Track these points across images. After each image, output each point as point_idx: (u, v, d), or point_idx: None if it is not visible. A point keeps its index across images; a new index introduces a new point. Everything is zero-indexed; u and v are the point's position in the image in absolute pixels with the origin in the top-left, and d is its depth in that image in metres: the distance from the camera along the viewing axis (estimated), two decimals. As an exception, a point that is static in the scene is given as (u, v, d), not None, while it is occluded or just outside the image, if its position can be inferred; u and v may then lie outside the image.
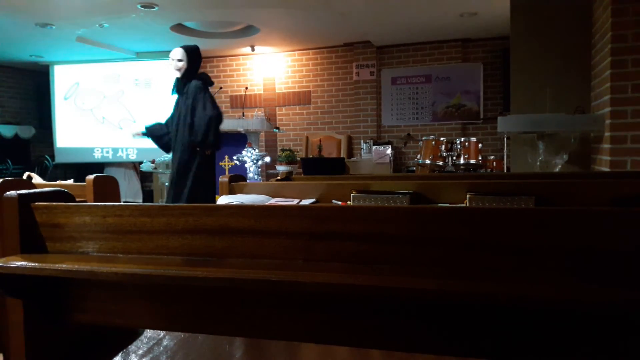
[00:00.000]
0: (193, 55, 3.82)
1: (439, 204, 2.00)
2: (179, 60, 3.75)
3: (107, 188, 2.45)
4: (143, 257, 1.23)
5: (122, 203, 1.32)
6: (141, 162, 5.80)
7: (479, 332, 1.02)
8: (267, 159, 5.29)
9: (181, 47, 3.81)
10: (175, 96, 3.88)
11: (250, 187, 2.40)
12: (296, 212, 1.14)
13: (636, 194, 1.76)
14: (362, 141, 7.01)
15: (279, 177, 2.71)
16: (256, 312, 1.16)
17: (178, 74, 3.78)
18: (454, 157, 4.79)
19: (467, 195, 1.91)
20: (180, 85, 3.83)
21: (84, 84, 7.65)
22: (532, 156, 3.87)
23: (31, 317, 1.28)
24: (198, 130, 3.67)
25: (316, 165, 5.96)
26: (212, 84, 3.91)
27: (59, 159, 7.76)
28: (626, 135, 3.13)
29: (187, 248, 1.21)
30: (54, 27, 5.87)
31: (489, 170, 4.91)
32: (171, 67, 3.78)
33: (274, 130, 6.41)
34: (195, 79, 3.78)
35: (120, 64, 7.55)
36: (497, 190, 1.92)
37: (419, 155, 5.01)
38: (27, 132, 7.99)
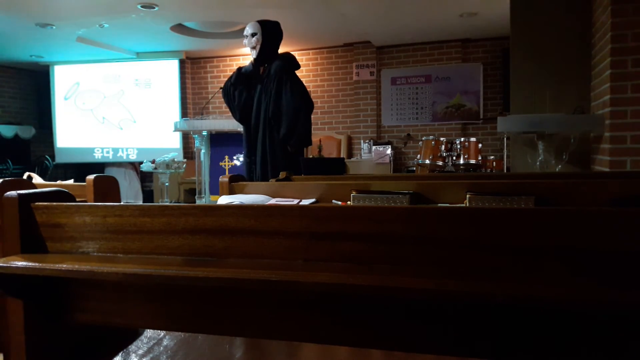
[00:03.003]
0: (270, 28, 3.21)
1: (439, 204, 2.00)
2: (253, 35, 3.14)
3: (107, 188, 2.45)
4: (143, 257, 1.23)
5: (122, 203, 1.32)
6: (141, 162, 5.80)
7: (479, 332, 1.02)
8: (267, 159, 5.27)
9: (256, 21, 3.20)
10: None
11: (250, 187, 2.40)
12: (296, 212, 1.14)
13: (636, 194, 1.76)
14: (362, 141, 7.01)
15: (279, 177, 2.71)
16: (256, 312, 1.16)
17: (254, 54, 3.18)
18: (454, 157, 4.79)
19: (467, 195, 1.91)
20: (255, 71, 3.23)
21: (84, 84, 7.66)
22: (532, 156, 3.86)
23: (31, 317, 1.28)
24: (282, 124, 3.11)
25: (316, 165, 5.95)
26: (297, 66, 3.35)
27: (59, 159, 7.76)
28: (626, 136, 3.13)
29: (187, 248, 1.21)
30: (54, 27, 5.87)
31: (488, 170, 4.91)
32: (246, 44, 3.21)
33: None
34: (277, 60, 3.21)
35: (120, 64, 7.55)
36: (497, 190, 1.92)
37: (419, 155, 5.01)
38: (27, 132, 7.99)
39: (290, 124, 3.15)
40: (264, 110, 3.21)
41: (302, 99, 3.21)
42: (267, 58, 3.20)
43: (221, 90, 3.47)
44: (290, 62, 3.27)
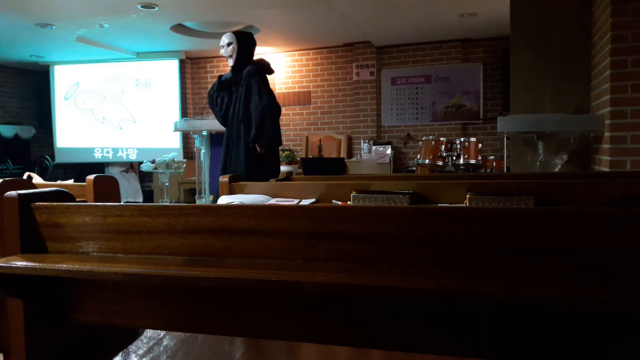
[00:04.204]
0: (244, 38, 3.49)
1: (439, 204, 2.00)
2: (229, 44, 3.42)
3: (107, 188, 2.45)
4: (143, 257, 1.23)
5: (122, 203, 1.32)
6: (141, 162, 5.81)
7: (478, 332, 1.02)
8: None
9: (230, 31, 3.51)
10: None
11: (250, 187, 2.40)
12: (296, 212, 1.14)
13: (636, 194, 1.76)
14: (362, 141, 7.01)
15: (279, 177, 2.71)
16: (256, 312, 1.16)
17: (231, 62, 3.46)
18: (454, 157, 4.79)
19: (467, 195, 1.91)
20: (234, 76, 3.48)
21: (84, 84, 7.66)
22: (532, 156, 3.87)
23: (31, 317, 1.28)
24: (251, 126, 3.31)
25: (316, 165, 5.96)
26: (269, 71, 3.54)
27: (59, 159, 7.76)
28: (626, 136, 3.13)
29: (187, 248, 1.21)
30: (54, 27, 5.87)
31: (488, 170, 4.91)
32: (223, 54, 3.50)
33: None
34: (250, 65, 3.44)
35: (120, 64, 7.55)
36: (497, 190, 1.92)
37: (418, 155, 5.01)
38: (27, 132, 8.00)
39: (258, 125, 3.33)
40: (237, 113, 3.42)
41: (269, 102, 3.36)
42: (243, 65, 3.44)
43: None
44: (261, 67, 3.46)
